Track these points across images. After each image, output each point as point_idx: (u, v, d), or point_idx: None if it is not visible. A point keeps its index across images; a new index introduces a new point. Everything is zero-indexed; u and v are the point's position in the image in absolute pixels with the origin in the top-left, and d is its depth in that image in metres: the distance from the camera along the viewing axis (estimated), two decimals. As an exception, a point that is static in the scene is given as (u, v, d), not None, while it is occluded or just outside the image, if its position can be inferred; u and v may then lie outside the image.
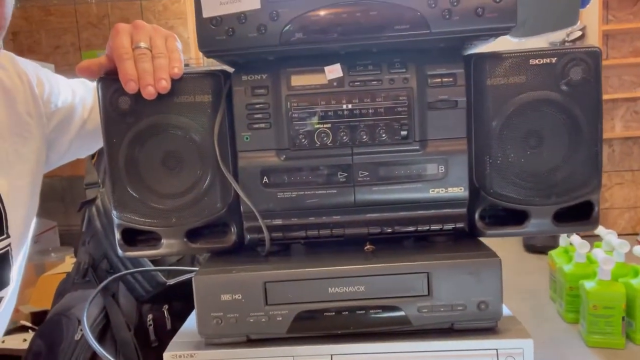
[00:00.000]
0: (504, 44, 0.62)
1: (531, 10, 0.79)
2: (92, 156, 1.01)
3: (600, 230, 1.70)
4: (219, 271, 0.55)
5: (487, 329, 0.55)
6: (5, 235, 0.62)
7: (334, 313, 0.54)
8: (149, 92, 0.53)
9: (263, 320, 0.54)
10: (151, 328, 0.91)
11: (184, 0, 2.63)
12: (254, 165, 0.57)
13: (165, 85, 0.54)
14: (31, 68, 0.68)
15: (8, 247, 0.62)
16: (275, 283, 0.54)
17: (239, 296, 0.54)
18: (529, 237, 2.34)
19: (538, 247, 2.25)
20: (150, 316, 0.91)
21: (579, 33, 2.59)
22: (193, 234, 0.59)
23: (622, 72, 2.57)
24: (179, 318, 0.94)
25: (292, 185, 0.57)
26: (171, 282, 0.90)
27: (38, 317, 1.75)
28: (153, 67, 0.54)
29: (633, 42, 2.55)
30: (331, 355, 0.54)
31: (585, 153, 0.56)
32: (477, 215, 0.59)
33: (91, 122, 0.74)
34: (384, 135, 0.56)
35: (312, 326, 0.54)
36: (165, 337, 0.93)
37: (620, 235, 1.62)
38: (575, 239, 1.61)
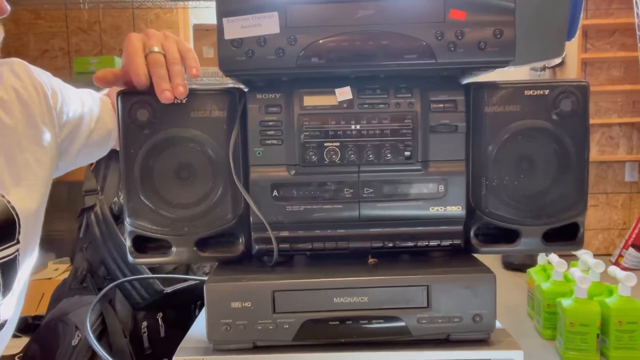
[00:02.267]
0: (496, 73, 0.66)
1: (519, 42, 0.85)
2: (90, 163, 1.02)
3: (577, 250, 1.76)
4: (230, 279, 0.57)
5: (481, 340, 0.58)
6: (15, 242, 0.63)
7: (338, 322, 0.57)
8: (167, 97, 0.55)
9: (270, 327, 0.56)
10: (145, 335, 0.92)
11: (176, 11, 2.65)
12: (265, 179, 0.60)
13: (182, 90, 0.56)
14: (45, 78, 0.69)
15: (16, 253, 0.63)
16: (284, 292, 0.56)
17: (248, 304, 0.56)
18: (507, 255, 2.41)
19: (516, 265, 2.31)
20: (144, 323, 0.92)
21: (559, 60, 2.71)
22: (202, 243, 0.61)
23: (598, 99, 2.69)
24: (173, 326, 0.96)
25: (300, 199, 0.60)
26: (168, 290, 0.91)
27: (23, 323, 1.71)
28: (169, 73, 0.56)
29: (609, 70, 2.68)
30: (335, 362, 0.56)
31: (572, 178, 0.61)
32: (472, 233, 0.63)
33: (97, 132, 0.76)
34: (389, 155, 0.60)
35: (318, 334, 0.57)
36: (158, 344, 0.94)
37: (594, 255, 1.69)
38: (553, 257, 1.68)
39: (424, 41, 0.55)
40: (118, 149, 0.61)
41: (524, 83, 0.61)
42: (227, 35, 0.54)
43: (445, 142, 0.61)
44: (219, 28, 0.54)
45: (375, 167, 0.60)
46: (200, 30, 2.17)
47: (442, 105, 0.60)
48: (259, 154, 0.60)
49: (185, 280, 0.91)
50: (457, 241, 0.62)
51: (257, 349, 0.57)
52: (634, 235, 2.42)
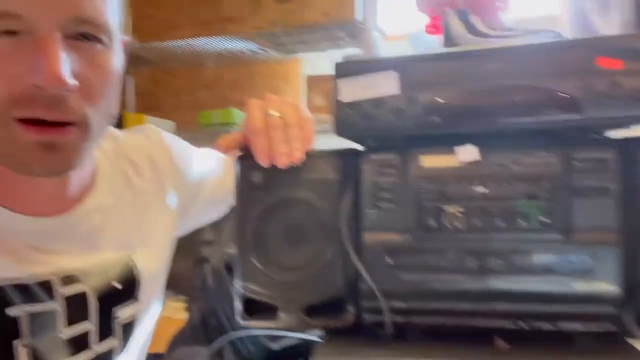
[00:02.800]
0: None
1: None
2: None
3: None
4: (338, 353, 0.53)
5: None
6: (134, 299, 0.65)
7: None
8: (283, 162, 0.55)
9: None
10: (252, 392, 0.90)
11: (288, 63, 2.78)
12: (378, 245, 0.56)
13: (299, 156, 0.56)
14: (174, 141, 0.74)
15: (136, 314, 0.65)
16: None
17: (358, 385, 0.51)
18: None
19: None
20: (252, 379, 0.90)
21: None
22: (310, 310, 0.58)
23: None
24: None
25: (417, 268, 0.55)
26: (275, 346, 0.89)
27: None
28: (287, 137, 0.56)
29: None
30: None
31: None
32: (631, 316, 0.52)
33: (219, 191, 0.78)
34: (522, 221, 0.52)
35: None
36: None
37: None
38: None
39: (569, 93, 0.47)
40: None
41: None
42: (344, 98, 0.52)
43: (592, 207, 0.51)
44: (335, 90, 0.53)
45: (506, 235, 0.53)
46: (312, 80, 2.25)
47: (588, 164, 0.51)
48: (372, 217, 0.56)
49: (295, 338, 0.89)
50: (609, 325, 0.51)
51: None
52: None
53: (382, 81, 0.49)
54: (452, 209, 0.54)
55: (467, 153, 0.53)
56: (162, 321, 1.05)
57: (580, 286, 0.52)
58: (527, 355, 0.51)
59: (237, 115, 2.22)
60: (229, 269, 0.94)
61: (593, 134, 0.53)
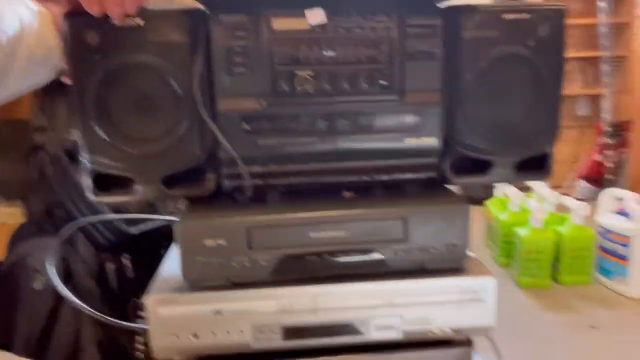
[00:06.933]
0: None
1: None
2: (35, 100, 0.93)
3: (532, 182, 1.84)
4: (203, 217, 0.55)
5: (455, 269, 0.59)
6: None
7: (315, 257, 0.56)
8: (115, 13, 0.50)
9: (247, 264, 0.55)
10: (112, 277, 0.90)
11: None
12: (234, 111, 0.56)
13: (132, 6, 0.51)
14: None
15: None
16: (259, 229, 0.55)
17: (222, 241, 0.54)
18: (465, 189, 2.48)
19: (474, 198, 2.40)
20: (110, 266, 0.89)
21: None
22: (169, 180, 0.58)
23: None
24: (142, 268, 0.94)
25: (273, 132, 0.57)
26: (133, 230, 0.88)
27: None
28: None
29: (568, 2, 2.68)
30: (313, 295, 0.56)
31: (547, 107, 0.61)
32: (447, 165, 0.62)
33: (38, 49, 0.67)
34: (364, 84, 0.57)
35: (295, 270, 0.56)
36: (127, 286, 0.92)
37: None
38: (511, 189, 1.74)
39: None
40: (62, 79, 0.55)
41: (503, 6, 0.58)
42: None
43: (422, 70, 0.58)
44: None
45: (351, 97, 0.57)
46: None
47: (419, 30, 0.57)
48: (227, 83, 0.56)
49: (151, 220, 0.88)
50: (431, 173, 0.62)
51: (234, 285, 0.56)
52: (585, 168, 2.55)
53: None
54: (303, 72, 0.56)
55: (315, 16, 0.54)
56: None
57: (411, 142, 0.60)
58: (370, 200, 0.59)
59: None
60: (71, 156, 0.87)
61: (422, 2, 0.58)
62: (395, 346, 0.58)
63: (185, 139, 0.56)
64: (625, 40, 2.44)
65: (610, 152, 2.46)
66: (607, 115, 2.44)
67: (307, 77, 0.56)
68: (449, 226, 0.57)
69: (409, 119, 0.59)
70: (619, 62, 2.47)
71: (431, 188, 0.64)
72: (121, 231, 0.86)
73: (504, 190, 1.80)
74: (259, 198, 0.61)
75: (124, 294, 0.93)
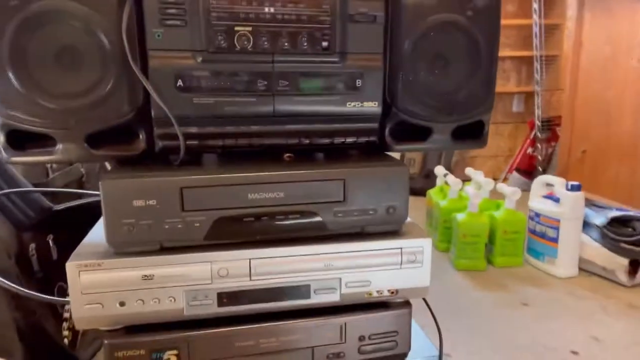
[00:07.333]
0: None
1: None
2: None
3: (469, 170, 1.91)
4: (131, 175, 0.51)
5: (393, 232, 0.59)
6: None
7: (253, 219, 0.54)
8: None
9: (179, 226, 0.52)
10: (34, 258, 0.83)
11: None
12: (167, 66, 0.53)
13: None
14: None
15: None
16: (193, 189, 0.52)
17: (153, 202, 0.51)
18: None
19: (416, 189, 2.46)
20: (33, 245, 0.82)
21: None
22: (94, 140, 0.54)
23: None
24: (67, 249, 0.87)
25: (209, 91, 0.55)
26: (58, 207, 0.82)
27: None
28: None
29: (504, 5, 2.80)
30: (249, 259, 0.54)
31: (482, 75, 0.62)
32: (387, 131, 0.62)
33: None
34: (305, 44, 0.56)
35: (231, 232, 0.54)
36: (51, 268, 0.86)
37: (486, 175, 1.83)
38: (450, 178, 1.80)
39: None
40: None
41: (443, -26, 0.59)
42: None
43: (363, 33, 0.58)
44: None
45: (291, 57, 0.56)
46: None
47: (362, -9, 0.56)
48: (159, 36, 0.52)
49: (77, 195, 0.82)
50: (372, 138, 0.61)
51: (164, 250, 0.53)
52: (518, 161, 2.68)
53: None
54: (242, 28, 0.54)
55: (256, -32, 0.52)
56: None
57: (352, 105, 0.59)
58: (309, 162, 0.58)
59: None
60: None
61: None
62: (334, 310, 0.58)
63: (112, 94, 0.52)
64: (557, 41, 2.59)
65: (541, 146, 2.60)
66: (539, 111, 2.57)
67: (246, 33, 0.54)
68: (389, 188, 0.57)
69: (350, 82, 0.58)
70: (551, 61, 2.61)
71: (372, 154, 0.63)
72: (44, 208, 0.80)
73: (445, 179, 1.86)
74: (194, 162, 0.58)
75: (49, 277, 0.87)
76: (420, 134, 0.63)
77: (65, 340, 0.85)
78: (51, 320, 0.86)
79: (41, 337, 0.85)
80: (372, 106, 0.60)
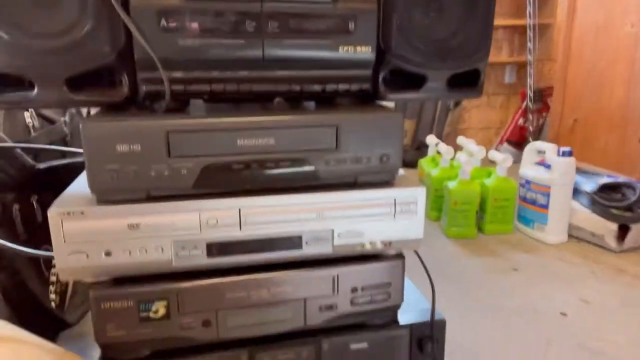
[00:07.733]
0: None
1: None
2: None
3: (461, 139, 1.90)
4: (115, 119, 0.49)
5: (386, 182, 0.58)
6: None
7: (242, 167, 0.52)
8: None
9: (166, 173, 0.50)
10: (18, 220, 0.81)
11: None
12: (150, 4, 0.50)
13: None
14: None
15: None
16: (180, 133, 0.50)
17: (137, 147, 0.49)
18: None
19: (407, 161, 2.45)
20: (16, 206, 0.80)
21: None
22: (75, 84, 0.51)
23: None
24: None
25: (195, 32, 0.52)
26: (41, 166, 0.79)
27: None
28: None
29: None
30: (239, 208, 0.52)
31: (479, 22, 0.60)
32: (380, 79, 0.60)
33: None
34: (296, -18, 0.53)
35: (220, 180, 0.52)
36: (35, 230, 0.84)
37: (478, 144, 1.82)
38: (442, 146, 1.79)
39: None
40: None
41: None
42: None
43: (356, -27, 0.55)
44: None
45: (281, -3, 0.53)
46: None
47: None
48: (141, -29, 0.49)
49: (61, 154, 0.79)
50: (365, 85, 0.59)
51: (150, 198, 0.51)
52: (508, 132, 2.67)
53: None
54: (228, -36, 0.51)
55: None
56: None
57: (345, 50, 0.57)
58: (301, 109, 0.56)
59: None
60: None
61: None
62: (326, 262, 0.56)
63: (92, 34, 0.49)
64: (551, 9, 2.56)
65: (532, 117, 2.60)
66: (531, 80, 2.56)
67: (233, -30, 0.51)
68: (382, 136, 0.55)
69: (343, 24, 0.56)
70: (544, 30, 2.59)
71: (365, 103, 0.61)
72: (26, 166, 0.77)
73: (437, 149, 1.85)
74: (180, 108, 0.56)
75: (34, 239, 0.84)
76: (415, 82, 0.61)
77: (53, 304, 0.83)
78: (37, 282, 0.84)
79: (27, 298, 0.84)
80: (366, 51, 0.58)
